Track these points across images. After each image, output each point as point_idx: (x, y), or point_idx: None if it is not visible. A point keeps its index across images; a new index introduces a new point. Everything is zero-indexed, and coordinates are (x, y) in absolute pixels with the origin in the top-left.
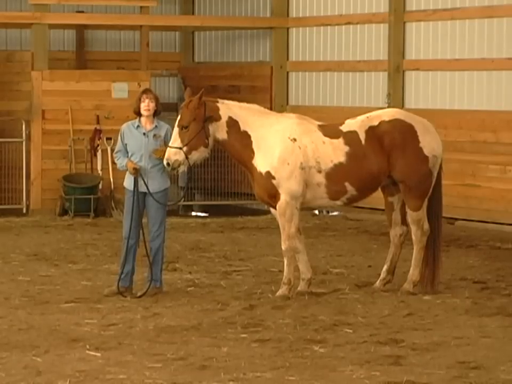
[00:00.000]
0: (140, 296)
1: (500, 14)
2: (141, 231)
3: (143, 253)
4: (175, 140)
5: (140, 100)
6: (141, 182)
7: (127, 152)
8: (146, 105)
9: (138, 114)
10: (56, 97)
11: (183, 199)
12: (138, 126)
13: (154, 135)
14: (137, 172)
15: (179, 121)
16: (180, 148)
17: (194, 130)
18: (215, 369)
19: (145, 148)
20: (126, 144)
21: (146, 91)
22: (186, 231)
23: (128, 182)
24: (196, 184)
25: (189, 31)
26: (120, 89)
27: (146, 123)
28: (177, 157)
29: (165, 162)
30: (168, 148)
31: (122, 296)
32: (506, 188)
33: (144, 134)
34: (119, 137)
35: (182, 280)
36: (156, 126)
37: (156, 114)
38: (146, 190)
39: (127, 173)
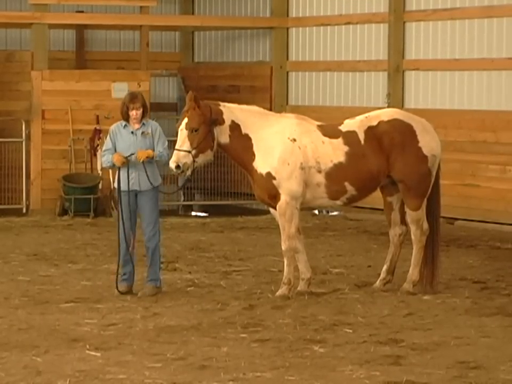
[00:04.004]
0: (140, 296)
1: (499, 14)
2: (136, 231)
3: (143, 252)
4: (184, 143)
5: (127, 107)
6: (132, 181)
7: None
8: (134, 115)
9: (126, 119)
10: (56, 97)
11: (182, 199)
12: (125, 126)
13: (143, 133)
14: (124, 162)
15: (187, 123)
16: (189, 152)
17: (203, 133)
18: (214, 369)
19: (134, 146)
20: (115, 144)
21: (133, 100)
22: (186, 231)
23: (118, 181)
24: (196, 184)
25: (188, 31)
26: (120, 89)
27: (133, 123)
28: (186, 160)
29: (173, 165)
30: (176, 151)
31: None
32: (506, 188)
33: (132, 132)
34: (109, 137)
35: (182, 280)
36: (144, 124)
37: (143, 116)
38: (137, 186)
39: (116, 175)
